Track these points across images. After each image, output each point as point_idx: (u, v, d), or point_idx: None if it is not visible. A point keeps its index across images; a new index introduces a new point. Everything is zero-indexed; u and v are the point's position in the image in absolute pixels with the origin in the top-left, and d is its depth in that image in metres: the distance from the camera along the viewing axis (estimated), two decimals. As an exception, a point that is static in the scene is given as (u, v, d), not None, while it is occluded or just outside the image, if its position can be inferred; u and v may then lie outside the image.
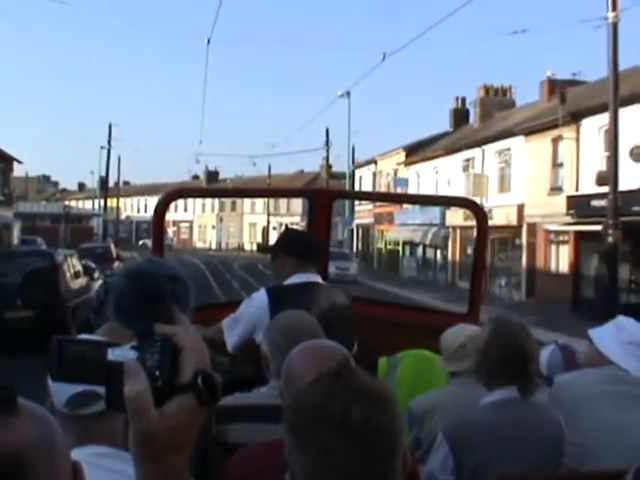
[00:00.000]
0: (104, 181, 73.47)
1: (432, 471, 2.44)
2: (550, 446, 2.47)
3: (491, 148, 29.27)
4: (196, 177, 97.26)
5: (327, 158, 43.14)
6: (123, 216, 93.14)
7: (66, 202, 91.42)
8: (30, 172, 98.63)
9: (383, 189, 44.26)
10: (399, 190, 41.47)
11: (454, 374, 3.09)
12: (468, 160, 31.52)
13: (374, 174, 47.42)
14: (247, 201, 71.44)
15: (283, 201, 68.89)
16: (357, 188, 45.19)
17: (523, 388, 2.45)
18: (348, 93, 40.75)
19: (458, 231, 32.09)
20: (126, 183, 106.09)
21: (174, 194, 5.01)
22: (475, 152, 30.61)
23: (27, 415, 0.88)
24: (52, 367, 0.98)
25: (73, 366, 0.97)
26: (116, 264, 24.90)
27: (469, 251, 29.30)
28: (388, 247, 44.87)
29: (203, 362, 0.95)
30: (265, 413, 2.37)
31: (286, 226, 5.81)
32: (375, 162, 46.87)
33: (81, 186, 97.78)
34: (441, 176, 35.08)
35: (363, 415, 1.06)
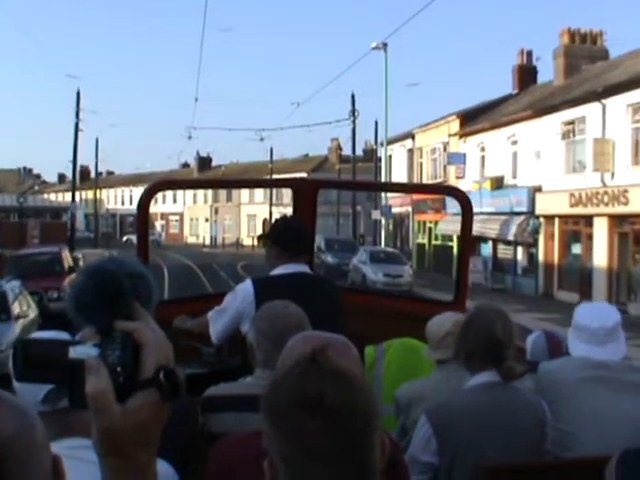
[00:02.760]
0: (83, 170, 62.12)
1: (414, 453, 2.62)
2: (532, 430, 2.65)
3: (617, 102, 21.90)
4: (186, 165, 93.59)
5: (353, 132, 33.11)
6: (105, 209, 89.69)
7: (45, 195, 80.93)
8: (11, 165, 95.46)
9: (426, 168, 38.80)
10: (453, 169, 34.80)
11: (440, 362, 3.24)
12: (570, 123, 24.84)
13: (410, 151, 40.47)
14: (245, 190, 61.45)
15: (286, 190, 57.21)
16: (385, 170, 40.31)
17: (502, 372, 2.63)
18: (385, 45, 33.11)
19: (556, 222, 26.09)
20: (110, 173, 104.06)
21: (158, 185, 5.09)
22: (585, 110, 23.54)
23: (7, 406, 0.92)
24: (16, 368, 1.02)
25: (37, 366, 1.02)
26: (68, 280, 16.89)
27: (575, 250, 25.22)
28: (434, 243, 37.86)
29: (165, 357, 1.04)
30: (251, 403, 2.26)
31: (284, 215, 4.41)
32: (412, 136, 40.45)
33: (61, 177, 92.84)
34: (522, 147, 28.42)
35: (337, 397, 1.13)
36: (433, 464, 2.61)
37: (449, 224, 32.73)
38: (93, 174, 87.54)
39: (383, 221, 38.54)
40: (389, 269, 25.52)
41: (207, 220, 79.44)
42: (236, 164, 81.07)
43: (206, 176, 71.61)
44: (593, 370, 2.83)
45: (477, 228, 30.46)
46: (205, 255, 49.44)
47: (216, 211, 74.14)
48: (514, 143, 28.26)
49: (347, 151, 61.84)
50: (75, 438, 1.55)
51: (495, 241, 29.48)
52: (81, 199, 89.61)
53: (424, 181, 38.30)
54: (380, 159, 39.06)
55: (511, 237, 26.55)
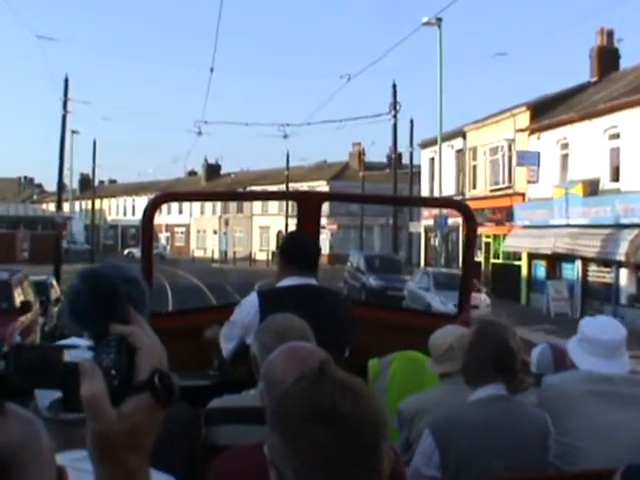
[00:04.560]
0: (84, 178, 56.48)
1: (417, 466, 2.75)
2: (535, 443, 2.78)
3: None
4: (193, 173, 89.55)
5: (394, 128, 26.75)
6: (108, 220, 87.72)
7: (43, 205, 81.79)
8: (13, 174, 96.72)
9: (483, 172, 33.07)
10: (521, 171, 28.74)
11: (443, 376, 3.38)
12: None
13: (460, 152, 35.19)
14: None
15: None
16: (427, 173, 37.91)
17: (509, 385, 2.78)
18: (439, 20, 27.00)
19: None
20: (112, 182, 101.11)
21: (163, 197, 5.16)
22: None
23: (13, 416, 1.00)
24: (10, 374, 1.05)
25: (31, 371, 1.04)
26: (22, 321, 11.71)
27: None
28: (494, 262, 32.22)
29: (160, 362, 1.08)
30: (254, 415, 2.55)
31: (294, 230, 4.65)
32: (463, 134, 34.97)
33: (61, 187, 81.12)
34: (627, 141, 22.23)
35: (349, 407, 1.21)
36: (436, 478, 2.75)
37: (519, 239, 26.24)
38: (96, 182, 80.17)
39: (422, 235, 32.20)
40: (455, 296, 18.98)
41: (216, 232, 76.60)
42: (247, 172, 78.77)
43: (214, 186, 71.60)
44: (596, 384, 2.94)
45: (562, 244, 24.08)
46: (215, 272, 45.44)
47: (226, 222, 68.57)
48: (614, 137, 22.16)
49: (370, 157, 55.58)
50: (79, 450, 1.52)
51: (585, 261, 22.86)
52: (81, 209, 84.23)
53: (480, 187, 31.91)
54: (411, 164, 32.44)
55: (620, 257, 19.96)
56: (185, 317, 4.75)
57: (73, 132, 60.21)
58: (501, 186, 30.89)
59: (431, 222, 36.09)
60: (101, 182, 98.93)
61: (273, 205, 63.38)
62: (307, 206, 4.51)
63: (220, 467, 2.20)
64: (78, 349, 1.05)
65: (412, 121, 38.26)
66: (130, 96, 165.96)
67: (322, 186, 60.16)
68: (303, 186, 60.24)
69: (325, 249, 60.81)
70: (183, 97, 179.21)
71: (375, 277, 27.90)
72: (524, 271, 28.94)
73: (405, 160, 64.32)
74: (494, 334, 2.79)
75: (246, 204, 67.78)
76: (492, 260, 32.15)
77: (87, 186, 65.30)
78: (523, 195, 28.78)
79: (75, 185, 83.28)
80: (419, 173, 40.58)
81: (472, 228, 4.83)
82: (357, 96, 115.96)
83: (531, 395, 3.05)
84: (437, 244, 31.08)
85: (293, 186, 58.59)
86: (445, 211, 31.37)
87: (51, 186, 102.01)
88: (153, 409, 1.02)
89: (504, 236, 30.16)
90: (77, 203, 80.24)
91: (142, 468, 1.04)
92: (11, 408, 0.99)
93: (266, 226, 66.98)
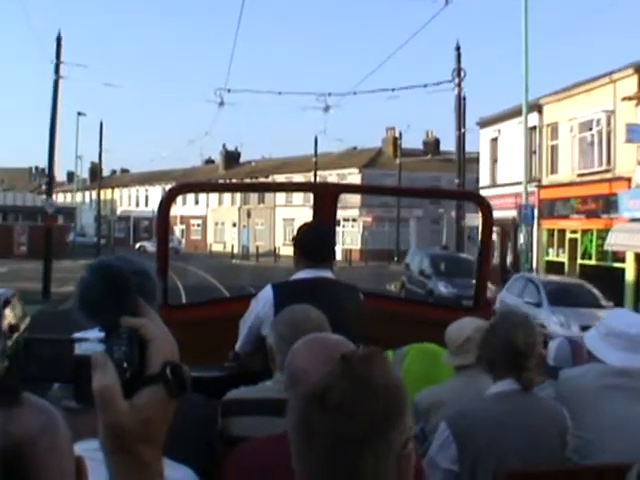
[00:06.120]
0: (94, 167, 51.82)
1: (433, 457, 2.84)
2: (553, 438, 2.84)
3: None
4: (210, 161, 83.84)
5: (458, 98, 19.87)
6: (118, 211, 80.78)
7: (52, 196, 69.13)
8: (23, 164, 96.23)
9: (570, 153, 26.37)
10: (627, 150, 22.33)
11: (459, 368, 3.46)
12: None
13: (533, 130, 28.06)
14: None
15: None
16: (488, 156, 32.14)
17: (522, 381, 2.85)
18: None
19: None
20: (125, 171, 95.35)
21: (179, 188, 5.24)
22: None
23: (31, 407, 1.00)
24: (20, 367, 1.08)
25: (41, 364, 1.07)
26: None
27: None
28: (583, 262, 25.71)
29: (171, 354, 1.10)
30: (270, 406, 2.66)
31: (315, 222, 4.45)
32: (539, 108, 28.49)
33: (70, 176, 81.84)
34: None
35: (343, 396, 1.25)
36: (453, 471, 2.87)
37: (628, 236, 20.33)
38: (105, 171, 74.61)
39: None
40: (586, 317, 13.31)
41: (235, 225, 73.16)
42: (269, 159, 75.80)
43: (233, 174, 67.60)
44: (614, 378, 2.99)
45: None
46: (236, 270, 41.60)
47: (248, 214, 63.30)
48: None
49: (405, 143, 50.29)
50: (94, 440, 1.60)
51: None
52: (91, 200, 79.13)
53: (563, 172, 26.26)
54: (462, 147, 27.02)
55: None
56: (200, 309, 4.91)
57: (79, 114, 55.32)
58: (596, 169, 25.66)
59: (499, 213, 30.37)
60: (113, 172, 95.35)
61: (298, 195, 59.13)
62: (324, 198, 4.62)
63: (237, 459, 2.28)
64: (89, 342, 1.09)
65: (464, 97, 31.89)
66: (141, 64, 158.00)
67: (354, 174, 57.49)
68: (332, 174, 57.01)
69: (357, 244, 56.11)
70: (202, 63, 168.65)
71: (445, 283, 23.03)
72: (629, 276, 23.69)
73: (443, 146, 59.03)
74: (503, 333, 2.89)
75: (268, 194, 63.29)
76: (580, 261, 27.13)
77: (97, 175, 60.06)
78: (629, 180, 23.30)
79: (85, 174, 79.03)
80: (476, 159, 34.82)
81: (488, 220, 4.91)
82: (401, 71, 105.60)
83: (548, 388, 3.18)
84: (522, 242, 25.21)
85: (322, 174, 54.59)
86: (531, 199, 25.71)
87: (62, 176, 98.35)
88: (165, 401, 1.06)
89: (598, 231, 24.94)
90: (87, 193, 75.69)
91: (155, 460, 1.08)
92: (28, 398, 1.00)
93: (290, 218, 62.87)
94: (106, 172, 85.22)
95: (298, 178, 57.11)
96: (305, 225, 4.20)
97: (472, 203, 5.53)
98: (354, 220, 58.23)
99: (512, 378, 2.84)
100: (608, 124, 24.99)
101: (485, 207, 4.91)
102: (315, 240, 3.91)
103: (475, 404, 2.97)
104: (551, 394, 3.10)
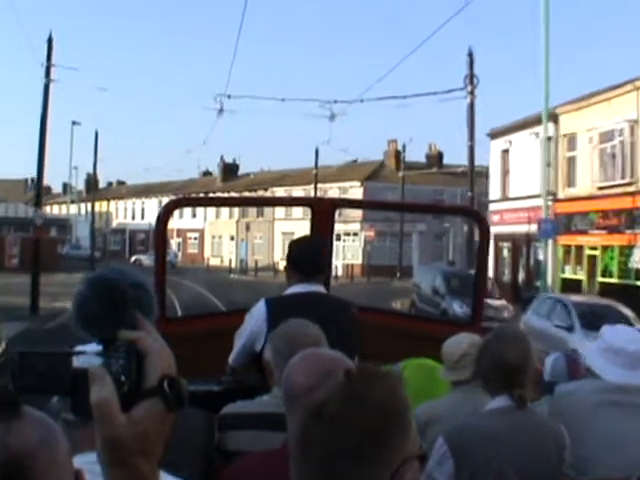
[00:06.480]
0: (90, 178, 50.81)
1: (430, 473, 2.85)
2: (551, 454, 2.83)
3: None
4: (208, 173, 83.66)
5: (471, 106, 18.30)
6: (114, 223, 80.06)
7: (47, 207, 77.87)
8: (18, 175, 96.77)
9: (589, 164, 24.96)
10: None
11: (456, 383, 3.50)
12: None
13: (548, 140, 24.90)
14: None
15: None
16: (499, 168, 30.77)
17: (516, 397, 2.85)
18: None
19: None
20: (121, 183, 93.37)
21: (177, 202, 5.58)
22: None
23: (30, 419, 1.02)
24: (14, 379, 1.09)
25: (35, 377, 1.08)
26: None
27: None
28: (602, 280, 24.09)
29: (169, 367, 1.11)
30: (267, 421, 2.71)
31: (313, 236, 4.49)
32: (554, 118, 26.50)
33: (65, 187, 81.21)
34: None
35: (339, 409, 1.24)
36: None
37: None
38: (101, 182, 73.71)
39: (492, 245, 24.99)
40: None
41: (233, 238, 73.03)
42: (268, 172, 76.47)
43: (232, 187, 66.48)
44: (610, 394, 3.01)
45: None
46: (234, 285, 39.95)
47: (247, 227, 61.94)
48: None
49: (407, 156, 49.61)
50: (93, 452, 1.64)
51: None
52: (87, 212, 77.95)
53: (582, 185, 25.17)
54: (472, 159, 25.65)
55: None
56: (197, 322, 4.95)
57: (74, 123, 53.95)
58: (618, 182, 24.71)
59: (502, 228, 29.12)
60: (109, 184, 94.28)
61: (297, 208, 57.60)
62: (321, 212, 4.61)
63: (233, 473, 2.30)
64: (86, 355, 1.10)
65: (471, 104, 30.00)
66: (137, 69, 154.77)
67: (355, 187, 57.75)
68: (333, 187, 56.52)
69: (358, 258, 54.91)
70: (201, 69, 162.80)
71: (460, 302, 21.67)
72: (657, 297, 21.67)
73: (446, 159, 57.88)
74: (496, 349, 2.91)
75: (267, 208, 62.00)
76: (600, 279, 26.01)
77: (93, 187, 58.84)
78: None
79: (81, 185, 77.80)
80: (484, 172, 33.53)
81: (486, 235, 4.78)
82: (406, 80, 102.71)
83: (544, 404, 3.21)
84: (541, 257, 24.14)
85: (322, 187, 53.68)
86: (550, 213, 24.36)
87: (58, 188, 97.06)
88: (163, 414, 1.07)
89: (620, 247, 23.55)
90: (83, 205, 74.58)
91: (152, 473, 1.09)
92: (27, 411, 1.02)
93: (290, 232, 61.60)
94: (102, 184, 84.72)
95: (298, 191, 56.72)
96: (297, 240, 4.26)
97: (469, 218, 5.53)
98: (355, 234, 58.00)
99: (506, 394, 2.87)
100: (631, 134, 23.96)
101: (482, 223, 4.91)
102: (306, 255, 3.94)
103: (472, 419, 3.01)
104: (545, 409, 3.13)
